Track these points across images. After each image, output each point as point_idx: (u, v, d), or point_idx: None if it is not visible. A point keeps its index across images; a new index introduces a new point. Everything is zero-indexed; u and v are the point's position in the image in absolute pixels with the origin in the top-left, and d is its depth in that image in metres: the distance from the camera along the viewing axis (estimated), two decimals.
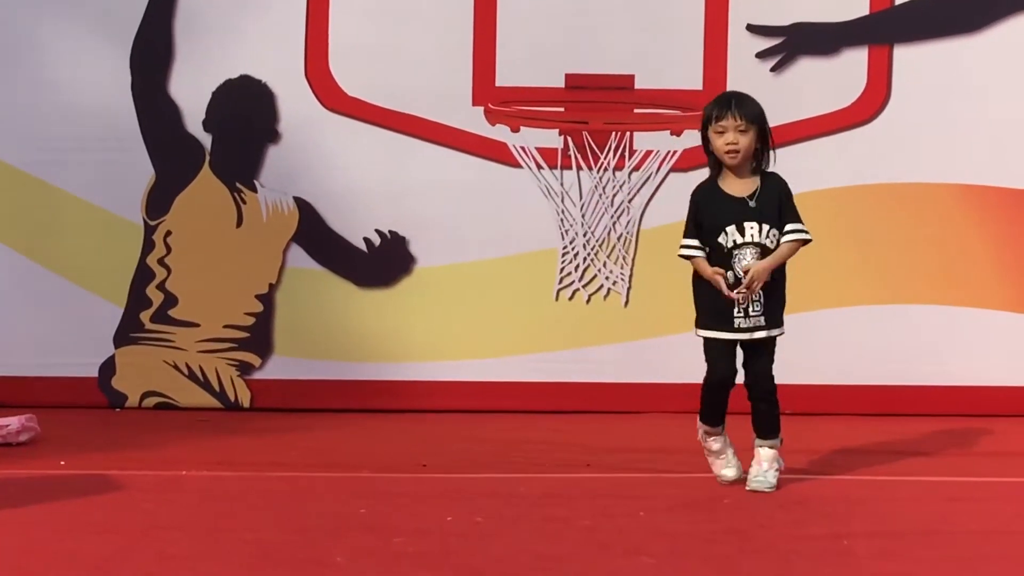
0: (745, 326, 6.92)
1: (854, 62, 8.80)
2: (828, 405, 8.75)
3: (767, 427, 7.02)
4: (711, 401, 7.03)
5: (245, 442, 7.99)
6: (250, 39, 8.68)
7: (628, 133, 8.77)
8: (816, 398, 8.77)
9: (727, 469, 7.08)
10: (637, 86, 8.75)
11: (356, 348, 8.80)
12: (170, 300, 8.77)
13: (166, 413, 8.73)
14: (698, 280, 7.00)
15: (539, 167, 8.73)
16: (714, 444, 7.08)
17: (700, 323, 7.01)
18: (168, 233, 8.76)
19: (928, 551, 6.08)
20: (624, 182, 8.76)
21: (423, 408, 8.73)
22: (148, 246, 8.75)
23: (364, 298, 8.83)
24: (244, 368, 8.82)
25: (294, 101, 8.72)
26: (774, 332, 7.00)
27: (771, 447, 7.02)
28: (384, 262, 8.81)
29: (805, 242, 7.01)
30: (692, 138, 8.77)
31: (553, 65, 8.73)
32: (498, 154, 8.75)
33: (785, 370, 8.78)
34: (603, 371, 8.69)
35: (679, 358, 8.77)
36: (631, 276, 8.73)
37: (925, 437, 8.28)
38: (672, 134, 8.79)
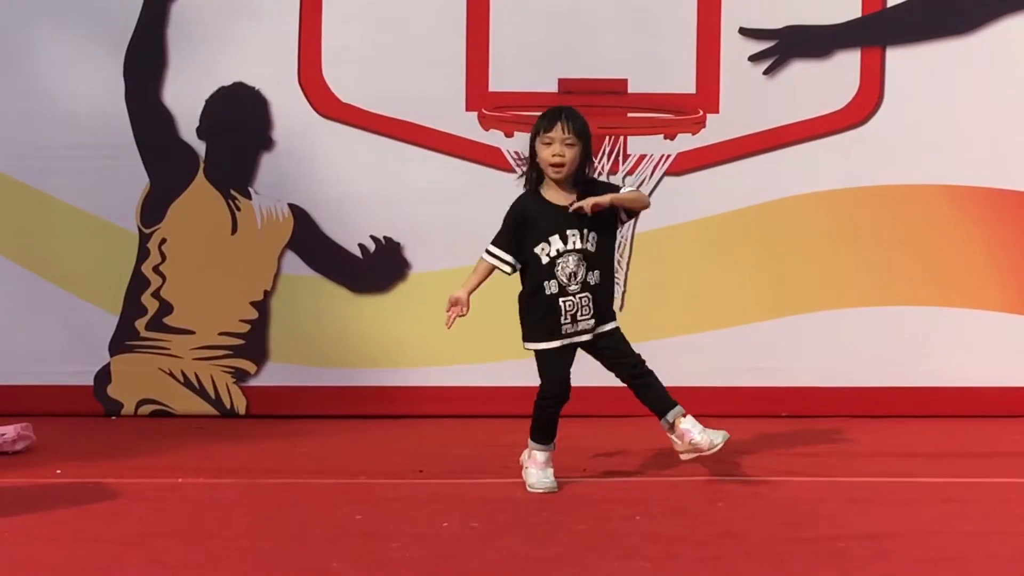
0: (573, 331, 6.99)
1: (847, 64, 8.81)
2: (822, 407, 8.76)
3: (666, 395, 7.06)
4: (547, 416, 7.09)
5: (241, 449, 8.00)
6: (243, 46, 8.69)
7: (622, 137, 8.78)
8: (810, 400, 8.79)
9: (546, 480, 7.07)
10: (631, 90, 8.76)
11: (352, 354, 8.81)
12: (165, 308, 8.77)
13: (162, 421, 8.73)
14: (528, 296, 7.07)
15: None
16: (541, 456, 7.11)
17: (529, 337, 7.09)
18: (163, 241, 8.77)
19: (922, 552, 6.09)
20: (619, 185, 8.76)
21: (419, 414, 8.74)
22: (143, 254, 8.76)
23: (359, 304, 8.84)
24: (240, 375, 8.82)
25: (288, 108, 8.72)
26: (608, 327, 7.05)
27: (679, 414, 7.05)
28: (379, 268, 8.82)
29: (645, 204, 7.13)
30: (686, 142, 8.80)
31: (546, 69, 8.74)
32: (492, 159, 8.76)
33: (779, 373, 8.87)
34: (599, 375, 8.67)
35: (675, 361, 8.76)
36: (626, 280, 8.74)
37: (919, 438, 8.29)
38: (666, 138, 8.80)
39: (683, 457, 7.08)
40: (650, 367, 7.16)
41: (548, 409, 7.09)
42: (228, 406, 8.83)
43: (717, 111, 8.79)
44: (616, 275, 7.32)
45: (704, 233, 8.81)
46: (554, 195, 7.01)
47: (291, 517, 6.60)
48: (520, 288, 7.15)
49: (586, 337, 7.03)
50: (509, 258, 7.04)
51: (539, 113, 7.13)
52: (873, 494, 7.02)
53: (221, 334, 8.81)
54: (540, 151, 6.99)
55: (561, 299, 6.97)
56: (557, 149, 6.93)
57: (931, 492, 7.07)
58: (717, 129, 8.79)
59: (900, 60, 8.81)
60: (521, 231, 7.02)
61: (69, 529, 6.36)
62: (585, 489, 7.12)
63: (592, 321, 7.01)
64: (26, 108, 8.69)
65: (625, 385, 7.15)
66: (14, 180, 8.72)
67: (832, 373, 8.82)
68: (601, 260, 7.04)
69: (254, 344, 8.81)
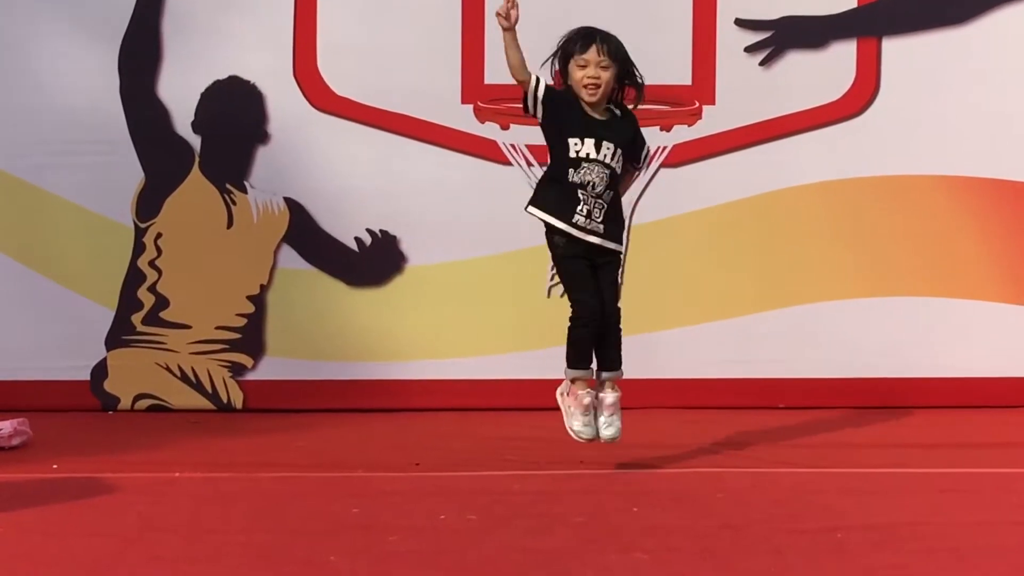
0: (585, 225, 6.97)
1: (843, 55, 8.80)
2: (820, 398, 8.75)
3: (617, 356, 7.09)
4: (580, 337, 7.06)
5: (238, 443, 7.99)
6: (238, 39, 8.67)
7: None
8: (808, 391, 8.78)
9: (589, 428, 7.06)
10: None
11: (348, 348, 8.79)
12: (161, 302, 8.75)
13: (158, 415, 8.72)
14: (550, 176, 7.09)
15: (529, 164, 8.72)
16: (583, 392, 7.06)
17: (537, 203, 7.09)
18: (158, 235, 8.75)
19: (921, 542, 6.08)
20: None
21: (416, 407, 8.73)
22: (139, 248, 8.74)
23: (356, 298, 8.82)
24: (236, 369, 8.81)
25: (283, 101, 8.70)
26: (613, 246, 7.07)
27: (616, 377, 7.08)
28: (375, 261, 8.80)
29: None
30: (682, 133, 8.78)
31: (542, 62, 8.70)
32: (488, 152, 8.75)
33: (778, 364, 8.86)
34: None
35: (672, 353, 8.80)
36: (623, 272, 8.72)
37: (918, 429, 8.29)
38: (662, 129, 8.78)
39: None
40: (622, 326, 7.18)
41: (584, 331, 7.02)
42: (225, 400, 8.82)
43: (713, 102, 8.77)
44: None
45: (701, 225, 8.79)
46: (592, 110, 7.00)
47: (289, 511, 6.59)
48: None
49: (594, 239, 6.96)
50: (542, 91, 6.93)
51: None
52: (872, 485, 7.02)
53: (217, 328, 8.79)
54: (573, 72, 6.95)
55: (581, 191, 6.93)
56: (592, 72, 6.91)
57: (930, 482, 7.06)
58: (713, 120, 8.77)
59: (896, 51, 8.80)
60: (562, 108, 6.95)
61: (67, 524, 6.35)
62: (582, 481, 7.11)
63: (603, 227, 6.98)
64: (20, 103, 8.66)
65: None
66: (9, 175, 8.69)
67: (829, 364, 8.81)
68: (617, 185, 7.04)
69: (250, 338, 8.79)
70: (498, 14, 6.96)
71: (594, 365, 7.14)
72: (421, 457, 7.58)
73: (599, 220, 6.97)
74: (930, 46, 8.79)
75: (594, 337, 7.05)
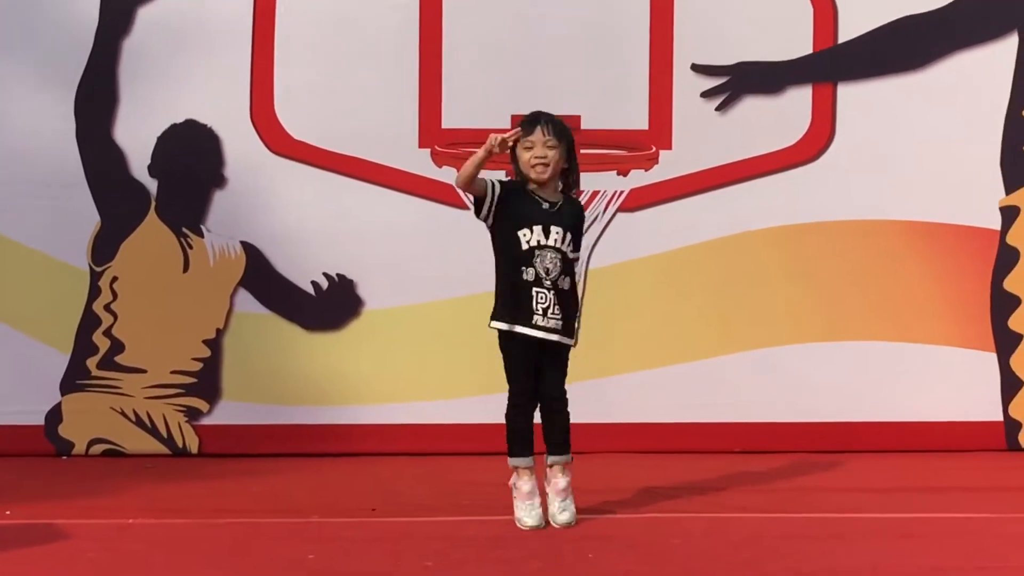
0: (543, 324, 7.02)
1: (798, 101, 8.84)
2: (776, 443, 8.76)
3: (566, 440, 7.11)
4: (517, 424, 7.10)
5: (193, 488, 7.94)
6: (195, 83, 8.66)
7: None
8: (765, 436, 8.79)
9: (533, 515, 7.04)
10: (583, 126, 8.76)
11: (305, 392, 8.76)
12: (117, 346, 8.71)
13: (113, 460, 8.66)
14: (505, 278, 7.09)
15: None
16: (525, 482, 7.07)
17: (499, 316, 7.12)
18: (114, 279, 8.71)
19: None
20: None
21: (372, 452, 8.70)
22: (94, 292, 8.70)
23: (312, 342, 8.80)
24: (192, 414, 8.77)
25: (240, 145, 8.69)
26: (567, 341, 7.12)
27: (567, 463, 7.09)
28: (332, 305, 8.79)
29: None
30: (639, 178, 8.81)
31: (499, 106, 8.73)
32: (445, 196, 8.75)
33: (734, 409, 8.86)
34: None
35: (628, 398, 8.80)
36: (580, 316, 8.71)
37: (875, 473, 8.30)
38: (619, 174, 8.81)
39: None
40: (570, 409, 7.19)
41: (519, 413, 7.07)
42: (180, 445, 8.77)
43: (670, 147, 8.80)
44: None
45: (658, 269, 8.81)
46: (540, 192, 7.06)
47: (244, 557, 6.55)
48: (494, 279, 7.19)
49: (552, 337, 7.03)
50: (495, 188, 6.99)
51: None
52: (830, 530, 7.02)
53: (173, 372, 8.75)
54: (521, 155, 7.04)
55: (535, 288, 7.00)
56: (539, 151, 7.00)
57: (889, 527, 7.07)
58: (670, 165, 8.80)
59: (851, 97, 8.84)
60: (512, 198, 7.02)
61: (19, 571, 6.30)
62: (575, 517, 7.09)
63: (560, 324, 7.04)
64: None
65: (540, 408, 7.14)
66: None
67: (787, 409, 8.83)
68: (571, 270, 7.10)
69: (206, 382, 8.76)
70: (503, 140, 6.91)
71: (532, 455, 7.11)
72: (377, 502, 7.55)
73: (556, 316, 7.04)
74: (885, 92, 8.84)
75: (529, 421, 7.10)
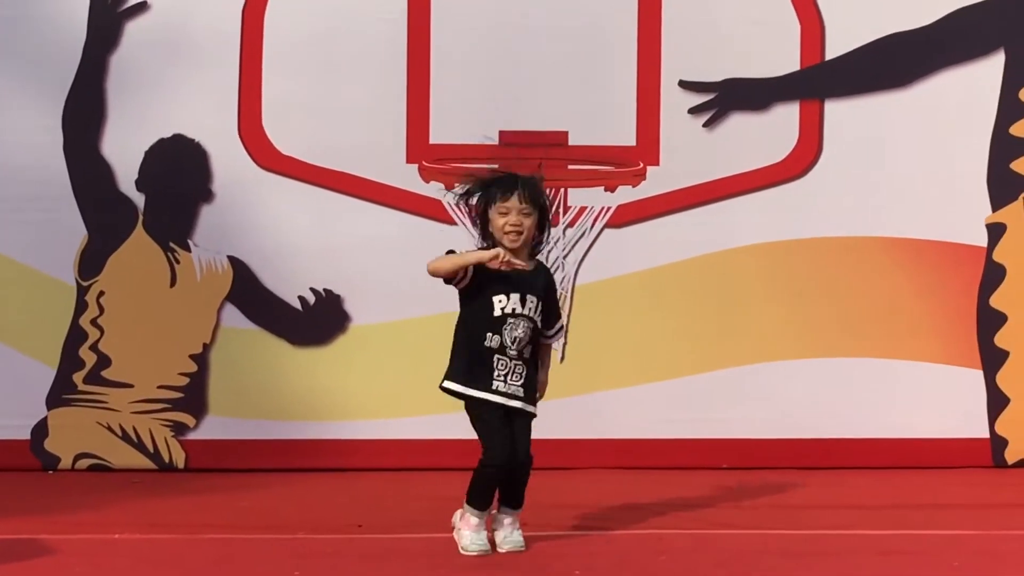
0: (504, 391, 6.80)
1: (786, 117, 8.86)
2: (763, 459, 8.77)
3: (521, 496, 6.94)
4: (488, 483, 6.86)
5: (179, 504, 7.93)
6: (183, 98, 8.66)
7: (562, 189, 8.79)
8: (752, 452, 8.79)
9: (479, 542, 6.85)
10: (571, 142, 8.78)
11: (291, 407, 8.76)
12: (103, 361, 8.70)
13: (99, 475, 8.65)
14: (465, 338, 6.85)
15: (474, 224, 8.70)
16: (475, 519, 6.87)
17: (452, 377, 6.87)
18: (101, 293, 8.71)
19: None
20: (558, 238, 8.77)
21: (359, 467, 8.69)
22: (81, 307, 8.69)
23: (299, 357, 8.79)
24: (178, 429, 8.76)
25: (227, 160, 8.69)
26: (531, 409, 6.88)
27: (516, 514, 6.94)
28: (319, 321, 8.78)
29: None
30: (626, 194, 8.81)
31: (487, 122, 8.74)
32: (433, 211, 8.75)
33: (721, 425, 8.87)
34: (539, 427, 8.61)
35: (614, 414, 8.80)
36: (566, 332, 8.72)
37: (861, 490, 8.30)
38: (606, 190, 8.82)
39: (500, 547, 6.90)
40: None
41: (492, 479, 6.84)
42: (166, 460, 8.76)
43: (657, 163, 8.81)
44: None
45: (644, 285, 8.82)
46: (513, 258, 6.79)
47: (229, 573, 6.54)
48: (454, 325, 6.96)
49: (515, 404, 6.81)
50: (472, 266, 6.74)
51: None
52: (815, 547, 7.02)
53: (160, 387, 8.74)
54: (495, 219, 6.80)
55: (497, 356, 6.79)
56: (514, 219, 6.76)
57: (873, 544, 7.07)
58: (657, 181, 8.81)
59: (838, 113, 8.86)
60: (483, 266, 6.76)
61: None
62: (526, 543, 7.07)
63: (522, 390, 6.82)
64: None
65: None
66: None
67: (773, 425, 8.83)
68: (537, 339, 6.89)
69: (193, 397, 8.75)
70: (501, 261, 6.71)
71: (490, 508, 6.90)
72: (363, 518, 7.55)
73: (518, 383, 6.81)
74: (872, 109, 8.86)
75: (500, 482, 6.87)
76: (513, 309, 6.80)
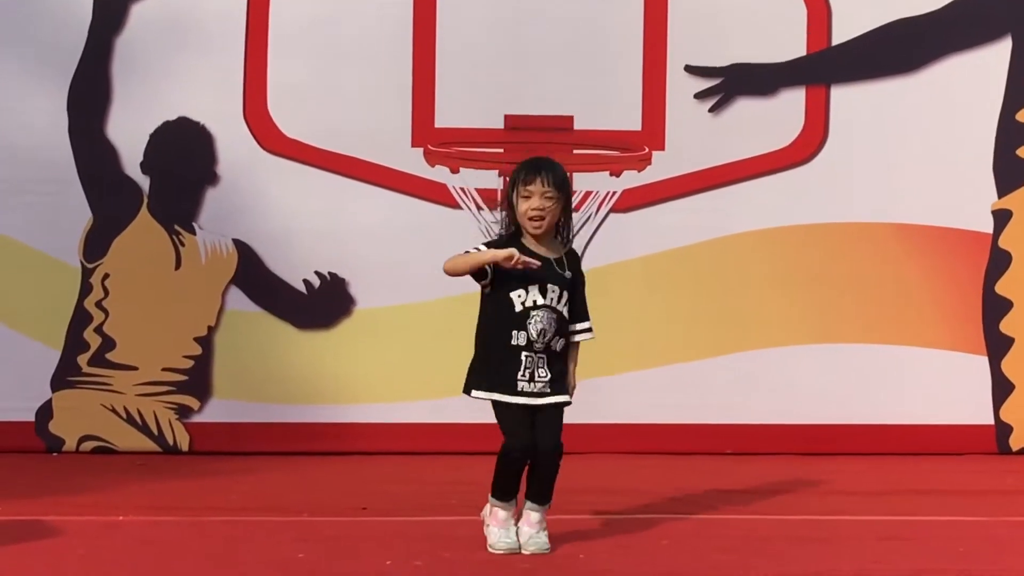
0: (529, 390, 6.60)
1: (792, 102, 8.85)
2: (766, 445, 8.77)
3: (549, 491, 6.73)
4: (512, 471, 6.63)
5: (183, 486, 7.94)
6: (188, 81, 8.66)
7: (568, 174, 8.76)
8: (755, 437, 8.80)
9: (508, 539, 6.64)
10: (576, 127, 8.77)
11: (296, 390, 8.76)
12: (108, 343, 8.71)
13: (104, 457, 8.66)
14: (489, 340, 6.65)
15: (479, 208, 8.73)
16: (502, 513, 6.68)
17: (477, 384, 6.67)
18: (106, 276, 8.71)
19: None
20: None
21: (363, 451, 8.70)
22: (85, 289, 8.70)
23: (304, 340, 8.80)
24: (183, 411, 8.76)
25: (232, 143, 8.69)
26: (562, 398, 6.67)
27: (543, 510, 6.73)
28: (323, 304, 8.78)
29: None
30: (631, 179, 8.81)
31: (492, 106, 8.74)
32: (438, 195, 8.75)
33: (725, 410, 8.87)
34: None
35: (619, 398, 8.80)
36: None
37: (862, 476, 8.30)
38: (611, 175, 8.81)
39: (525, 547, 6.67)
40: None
41: (513, 465, 6.62)
42: (171, 442, 8.77)
43: (663, 148, 8.81)
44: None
45: (650, 270, 8.81)
46: (535, 246, 6.64)
47: (233, 555, 6.55)
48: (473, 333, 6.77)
49: (540, 401, 6.61)
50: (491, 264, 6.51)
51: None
52: (817, 532, 7.02)
53: (164, 370, 8.75)
54: (518, 204, 6.60)
55: (524, 352, 6.58)
56: (536, 203, 6.56)
57: (874, 530, 7.07)
58: (663, 166, 8.81)
59: (844, 99, 8.85)
60: (498, 269, 6.54)
61: (7, 568, 6.28)
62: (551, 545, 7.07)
63: (549, 386, 6.61)
64: None
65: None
66: None
67: (777, 411, 8.83)
68: (566, 329, 6.68)
69: (197, 380, 8.75)
70: (517, 261, 6.53)
71: (515, 499, 6.68)
72: (368, 501, 7.55)
73: (545, 379, 6.61)
74: (879, 94, 8.85)
75: (522, 471, 6.65)
76: (534, 301, 6.58)
